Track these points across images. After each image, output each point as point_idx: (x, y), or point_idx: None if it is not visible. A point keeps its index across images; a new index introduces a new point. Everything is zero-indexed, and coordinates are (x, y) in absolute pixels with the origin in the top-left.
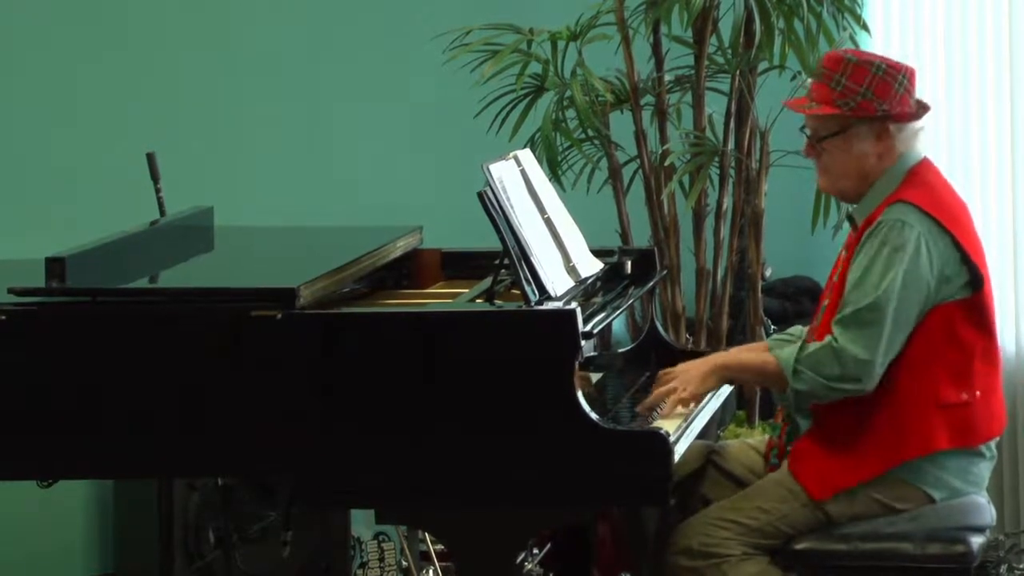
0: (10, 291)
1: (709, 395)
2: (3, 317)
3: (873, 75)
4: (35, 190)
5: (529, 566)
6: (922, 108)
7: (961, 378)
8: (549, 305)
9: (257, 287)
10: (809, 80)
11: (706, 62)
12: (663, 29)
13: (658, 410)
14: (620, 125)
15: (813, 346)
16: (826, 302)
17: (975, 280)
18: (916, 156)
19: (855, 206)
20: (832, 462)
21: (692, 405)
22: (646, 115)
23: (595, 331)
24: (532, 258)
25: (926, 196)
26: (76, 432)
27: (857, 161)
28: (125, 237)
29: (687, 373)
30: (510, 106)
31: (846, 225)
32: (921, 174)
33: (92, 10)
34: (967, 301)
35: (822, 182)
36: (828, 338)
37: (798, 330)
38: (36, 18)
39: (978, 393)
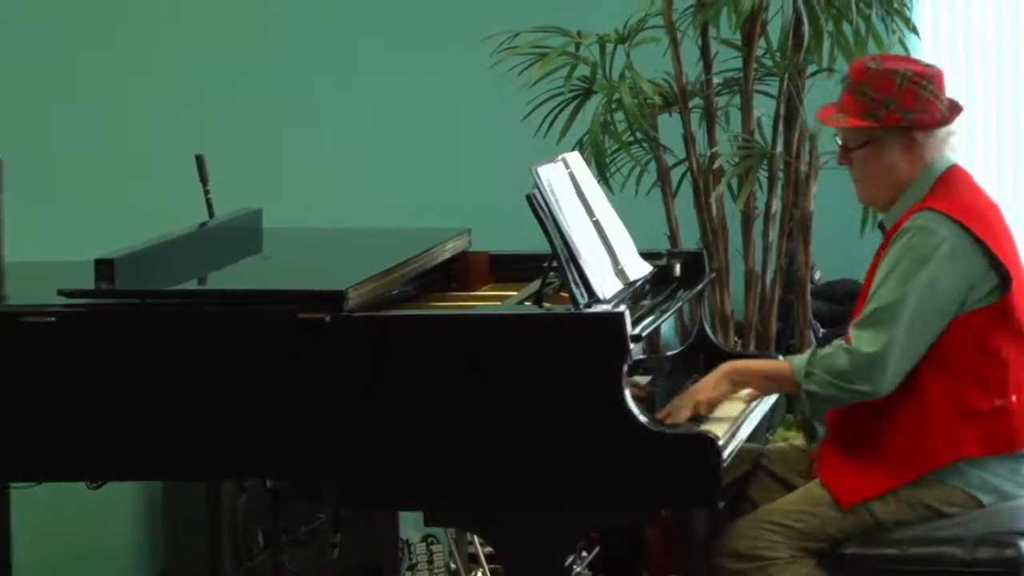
0: (60, 293)
1: (755, 402)
2: (52, 319)
3: (899, 85)
4: (85, 191)
5: (578, 569)
6: (953, 111)
7: (993, 385)
8: (598, 308)
9: (305, 289)
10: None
11: (754, 65)
12: (711, 32)
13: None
14: (668, 128)
15: (826, 349)
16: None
17: (1004, 283)
18: (946, 162)
19: (886, 214)
20: (857, 471)
21: (705, 410)
22: (694, 118)
23: (644, 334)
24: (580, 261)
25: (954, 202)
26: (125, 433)
27: (888, 171)
28: (174, 239)
29: (703, 380)
30: (558, 109)
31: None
32: (950, 181)
33: (142, 14)
34: (996, 307)
35: (858, 192)
36: (843, 340)
37: None
38: (84, 22)
39: (1014, 398)
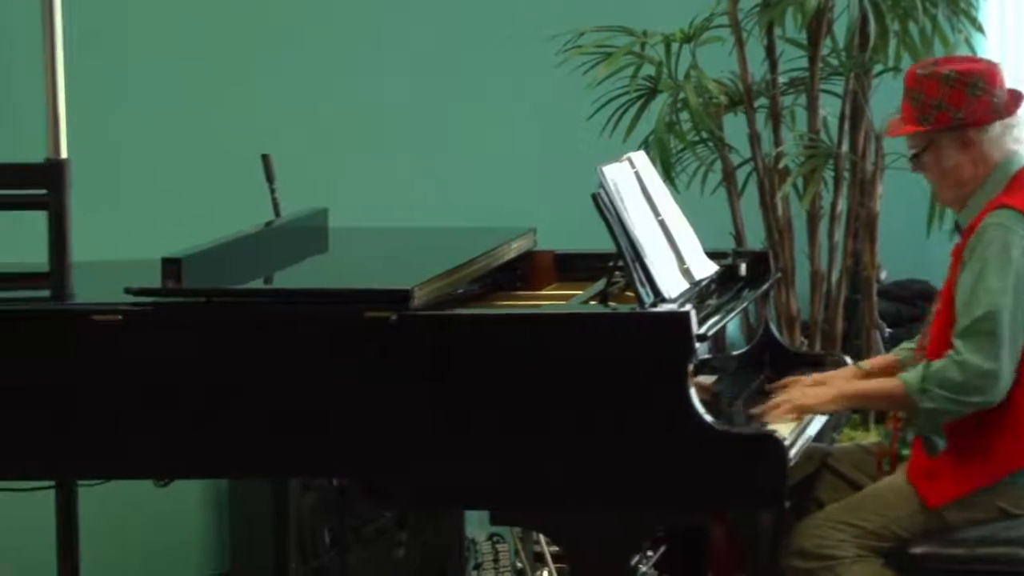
0: (126, 291)
1: None
2: (119, 317)
3: (943, 86)
4: (152, 191)
5: (644, 568)
6: (1014, 101)
7: None
8: (663, 307)
9: (371, 288)
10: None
11: (820, 64)
12: (777, 31)
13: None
14: (734, 127)
15: (937, 363)
16: (935, 307)
17: None
18: (1020, 161)
19: (961, 214)
20: (948, 470)
21: (797, 416)
22: (760, 117)
23: (709, 333)
24: (646, 260)
25: None
26: (191, 432)
27: (952, 171)
28: (240, 238)
29: (814, 390)
30: (623, 108)
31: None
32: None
33: (210, 16)
34: None
35: (937, 196)
36: (950, 353)
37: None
38: (152, 24)
39: None
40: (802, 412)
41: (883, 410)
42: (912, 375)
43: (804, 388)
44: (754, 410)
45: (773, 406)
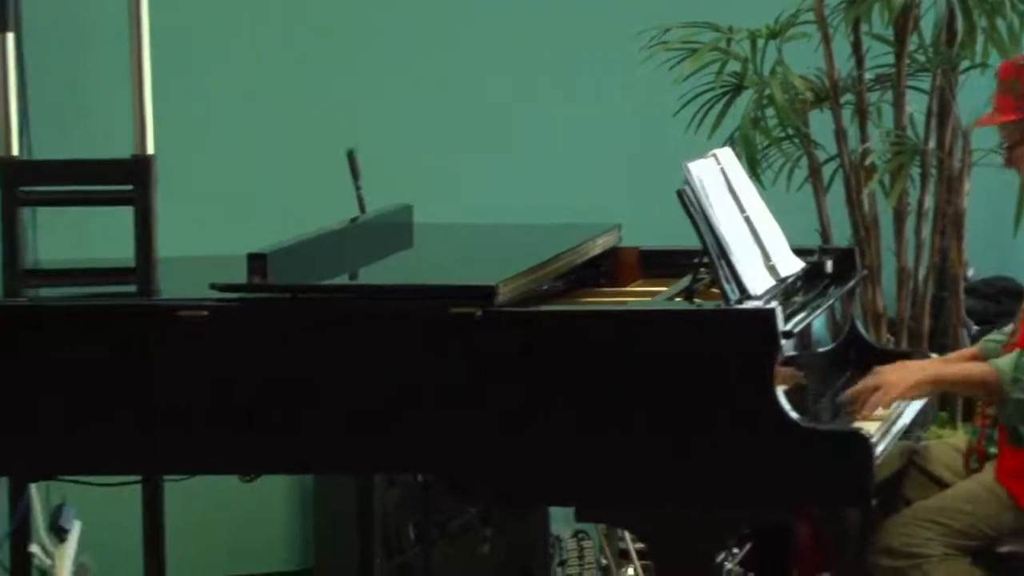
0: (212, 287)
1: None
2: (205, 313)
3: None
4: (239, 187)
5: (729, 566)
6: None
7: None
8: (749, 304)
9: (456, 284)
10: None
11: (907, 60)
12: (863, 27)
13: (858, 411)
14: (820, 123)
15: None
16: None
17: None
18: None
19: None
20: None
21: (889, 407)
22: (846, 113)
23: (795, 331)
24: (731, 257)
25: None
26: (276, 428)
27: None
28: (326, 234)
29: (898, 375)
30: (709, 104)
31: None
32: None
33: (293, 12)
34: None
35: None
36: None
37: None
38: (238, 21)
39: None
40: (891, 400)
41: (970, 397)
42: (1005, 363)
43: (887, 376)
44: (842, 397)
45: (864, 392)
